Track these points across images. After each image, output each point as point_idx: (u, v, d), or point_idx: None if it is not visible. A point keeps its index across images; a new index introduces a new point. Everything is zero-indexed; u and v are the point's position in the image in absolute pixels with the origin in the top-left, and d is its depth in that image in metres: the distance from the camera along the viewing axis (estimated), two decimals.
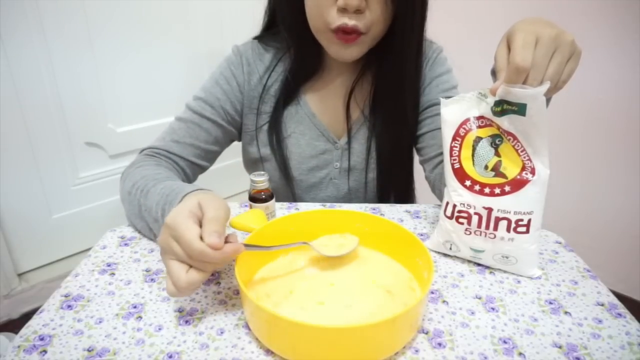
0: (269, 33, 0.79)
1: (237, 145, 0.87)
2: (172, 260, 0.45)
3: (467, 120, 0.56)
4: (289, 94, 0.78)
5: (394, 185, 0.83)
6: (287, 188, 0.82)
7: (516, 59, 0.46)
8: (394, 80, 0.74)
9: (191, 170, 0.75)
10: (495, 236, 0.54)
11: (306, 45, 0.73)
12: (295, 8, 0.69)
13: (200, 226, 0.44)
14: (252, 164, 0.84)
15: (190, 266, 0.44)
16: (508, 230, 0.54)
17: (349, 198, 0.83)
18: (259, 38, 0.80)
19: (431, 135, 0.76)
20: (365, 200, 0.84)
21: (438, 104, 0.76)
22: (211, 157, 0.79)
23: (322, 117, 0.80)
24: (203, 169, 0.78)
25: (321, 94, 0.80)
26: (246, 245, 0.47)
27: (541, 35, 0.47)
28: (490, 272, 0.58)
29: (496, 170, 0.54)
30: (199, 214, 0.46)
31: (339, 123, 0.80)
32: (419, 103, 0.78)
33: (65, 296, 0.52)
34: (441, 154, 0.73)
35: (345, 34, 0.65)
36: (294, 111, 0.79)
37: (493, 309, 0.51)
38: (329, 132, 0.80)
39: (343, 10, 0.63)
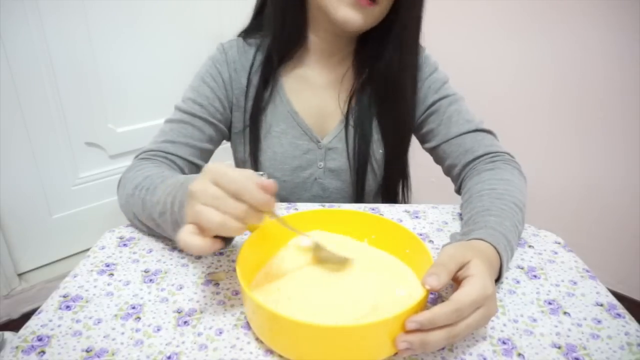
0: (253, 34, 0.79)
1: (229, 147, 0.86)
2: (205, 205, 0.42)
3: None
4: (267, 76, 0.77)
5: (381, 186, 0.83)
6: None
7: (463, 305, 0.42)
8: (384, 74, 0.74)
9: (189, 170, 0.75)
10: None
11: (289, 25, 0.72)
12: None
13: None
14: (241, 163, 0.84)
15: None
16: None
17: (335, 198, 0.83)
18: (243, 36, 0.80)
19: (448, 145, 0.76)
20: (353, 200, 0.83)
21: (437, 105, 0.77)
22: (206, 156, 0.78)
23: (305, 116, 0.79)
24: (199, 169, 0.77)
25: (304, 91, 0.79)
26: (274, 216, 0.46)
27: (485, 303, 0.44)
28: None
29: None
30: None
31: (322, 122, 0.79)
32: (412, 99, 0.77)
33: (64, 297, 0.52)
34: (472, 161, 0.73)
35: None
36: (276, 109, 0.78)
37: None
38: (312, 130, 0.79)
39: None
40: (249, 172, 0.43)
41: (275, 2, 0.73)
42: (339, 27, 0.68)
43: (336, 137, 0.79)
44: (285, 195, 0.82)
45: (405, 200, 0.88)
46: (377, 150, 0.79)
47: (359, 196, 0.82)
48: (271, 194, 0.43)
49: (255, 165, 0.80)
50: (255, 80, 0.77)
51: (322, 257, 0.52)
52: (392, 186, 0.84)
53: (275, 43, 0.75)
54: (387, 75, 0.74)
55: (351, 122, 0.78)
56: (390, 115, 0.77)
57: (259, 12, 0.79)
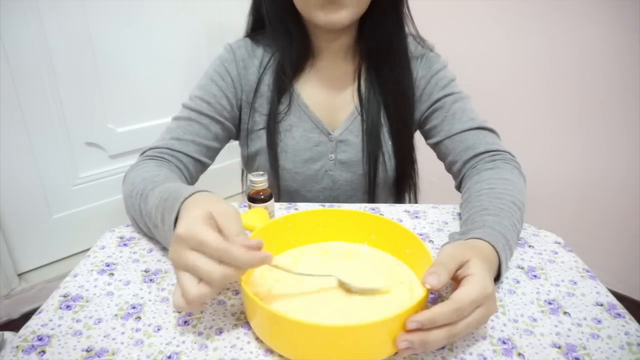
0: (259, 33, 0.81)
1: (234, 147, 0.87)
2: (184, 272, 0.42)
3: None
4: (281, 88, 0.78)
5: (391, 177, 0.83)
6: (281, 182, 0.82)
7: (463, 304, 0.42)
8: (382, 60, 0.77)
9: (194, 167, 0.75)
10: None
11: (293, 33, 0.75)
12: None
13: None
14: (249, 160, 0.84)
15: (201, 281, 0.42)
16: None
17: (345, 190, 0.83)
18: (250, 36, 0.82)
19: (450, 141, 0.77)
20: (363, 192, 0.84)
21: (442, 101, 0.78)
22: (212, 154, 0.79)
23: (316, 109, 0.80)
24: (205, 167, 0.78)
25: (314, 85, 0.80)
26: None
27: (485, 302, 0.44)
28: None
29: None
30: (214, 224, 0.44)
31: (333, 115, 0.81)
32: (413, 85, 0.79)
33: (64, 296, 0.52)
34: (472, 158, 0.73)
35: None
36: (288, 103, 0.79)
37: None
38: (323, 123, 0.80)
39: None
40: (236, 229, 0.42)
41: (274, 21, 0.76)
42: (330, 29, 0.72)
43: (347, 129, 0.80)
44: (296, 188, 0.83)
45: (414, 194, 0.89)
46: (387, 141, 0.80)
47: (370, 188, 0.83)
48: (257, 249, 0.41)
49: (273, 158, 0.80)
50: (266, 79, 0.79)
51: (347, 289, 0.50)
52: (402, 178, 0.85)
53: (287, 59, 0.77)
54: (382, 50, 0.76)
55: (361, 115, 0.80)
56: (393, 99, 0.79)
57: (255, 12, 0.81)
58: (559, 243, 0.65)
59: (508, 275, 0.57)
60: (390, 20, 0.74)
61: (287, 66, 0.77)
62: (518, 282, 0.56)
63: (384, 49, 0.76)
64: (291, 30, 0.75)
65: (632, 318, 0.50)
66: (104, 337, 0.46)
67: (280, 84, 0.78)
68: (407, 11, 0.76)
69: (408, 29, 0.78)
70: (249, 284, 0.51)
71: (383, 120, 0.80)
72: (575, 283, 0.56)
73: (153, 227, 0.57)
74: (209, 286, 0.41)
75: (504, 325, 0.48)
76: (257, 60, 0.79)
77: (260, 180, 0.63)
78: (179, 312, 0.49)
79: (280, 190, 0.83)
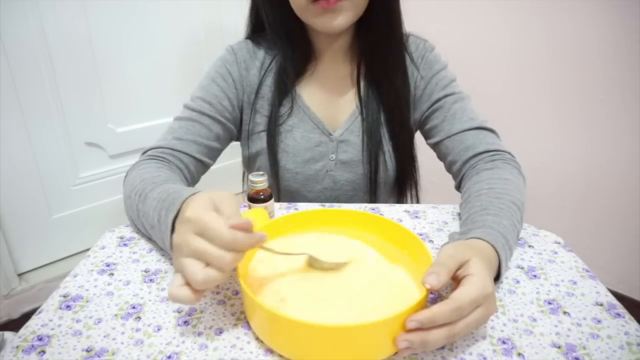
0: (260, 35, 0.81)
1: (234, 146, 0.87)
2: (188, 257, 0.42)
3: None
4: (283, 90, 0.79)
5: (393, 177, 0.83)
6: (282, 182, 0.82)
7: (463, 304, 0.42)
8: (381, 61, 0.77)
9: (195, 167, 0.75)
10: None
11: (294, 36, 0.76)
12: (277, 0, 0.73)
13: None
14: (250, 160, 0.85)
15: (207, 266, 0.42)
16: None
17: (346, 190, 0.84)
18: (251, 38, 0.82)
19: (450, 141, 0.77)
20: (364, 192, 0.84)
21: (442, 101, 0.78)
22: (213, 154, 0.79)
23: (317, 110, 0.80)
24: (206, 167, 0.78)
25: (315, 86, 0.81)
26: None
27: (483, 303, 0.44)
28: None
29: None
30: (216, 209, 0.44)
31: (334, 115, 0.81)
32: (408, 85, 0.80)
33: (64, 296, 0.52)
34: (472, 157, 0.73)
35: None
36: (290, 105, 0.80)
37: None
38: (324, 124, 0.80)
39: None
40: (229, 211, 0.43)
41: (274, 25, 0.76)
42: (329, 33, 0.73)
43: (347, 129, 0.80)
44: (297, 188, 0.83)
45: (416, 193, 0.89)
46: (388, 141, 0.81)
47: (372, 188, 0.83)
48: (247, 229, 0.42)
49: (273, 159, 0.80)
50: (268, 80, 0.79)
51: (319, 267, 0.52)
52: (403, 176, 0.85)
53: (289, 63, 0.77)
54: (375, 51, 0.77)
55: (361, 115, 0.80)
56: (389, 99, 0.79)
57: (254, 16, 0.81)
58: (559, 243, 0.65)
59: (508, 275, 0.57)
60: (382, 21, 0.74)
61: (290, 70, 0.77)
62: (518, 282, 0.56)
63: (377, 50, 0.77)
64: (292, 34, 0.76)
65: (632, 318, 0.50)
66: (104, 337, 0.46)
67: (282, 87, 0.78)
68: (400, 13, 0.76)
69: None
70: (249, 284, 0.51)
71: (383, 119, 0.80)
72: (575, 283, 0.56)
73: (150, 227, 0.57)
74: (218, 271, 0.41)
75: (504, 325, 0.48)
76: (259, 62, 0.80)
77: (260, 180, 0.63)
78: (179, 312, 0.49)
79: (281, 190, 0.83)
